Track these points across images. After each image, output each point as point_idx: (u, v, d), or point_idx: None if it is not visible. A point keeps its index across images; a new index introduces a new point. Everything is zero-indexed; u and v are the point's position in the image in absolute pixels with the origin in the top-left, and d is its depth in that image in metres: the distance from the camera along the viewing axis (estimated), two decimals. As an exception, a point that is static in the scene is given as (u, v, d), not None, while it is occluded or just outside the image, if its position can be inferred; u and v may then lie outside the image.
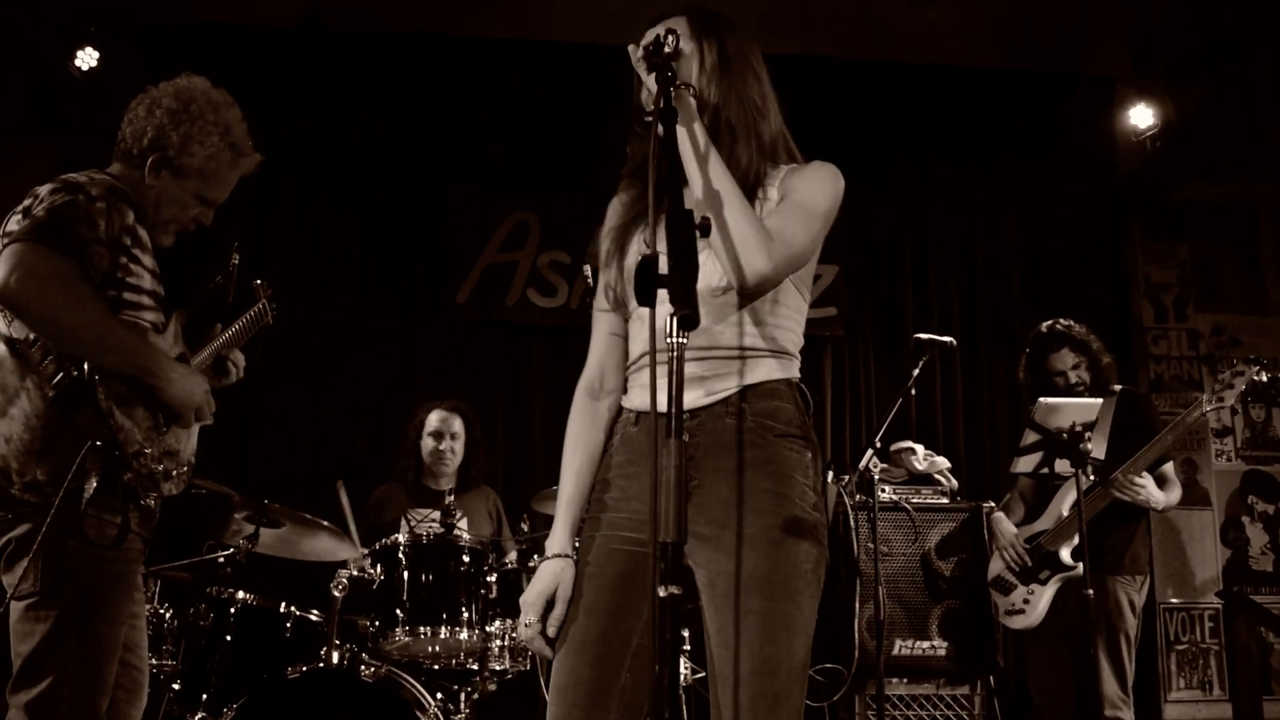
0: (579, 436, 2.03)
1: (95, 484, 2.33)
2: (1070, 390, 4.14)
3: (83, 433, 2.35)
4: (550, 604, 1.91)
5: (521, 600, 1.95)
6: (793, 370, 1.94)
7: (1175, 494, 4.08)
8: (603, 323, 2.08)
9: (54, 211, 2.38)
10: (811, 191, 1.96)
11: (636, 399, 1.97)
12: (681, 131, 1.83)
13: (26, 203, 2.47)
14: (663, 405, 1.73)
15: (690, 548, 1.85)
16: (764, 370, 1.90)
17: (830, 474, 5.07)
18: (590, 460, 2.01)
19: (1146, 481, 3.92)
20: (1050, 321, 4.28)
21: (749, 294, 1.87)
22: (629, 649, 1.87)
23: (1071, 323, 4.25)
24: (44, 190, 2.46)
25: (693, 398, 1.87)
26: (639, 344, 1.98)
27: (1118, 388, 4.22)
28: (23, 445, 2.37)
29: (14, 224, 2.44)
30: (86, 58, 5.40)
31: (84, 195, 2.43)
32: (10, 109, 5.77)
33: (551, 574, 1.93)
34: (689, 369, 1.83)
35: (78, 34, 5.39)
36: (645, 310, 1.84)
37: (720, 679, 1.79)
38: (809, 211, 1.92)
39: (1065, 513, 4.05)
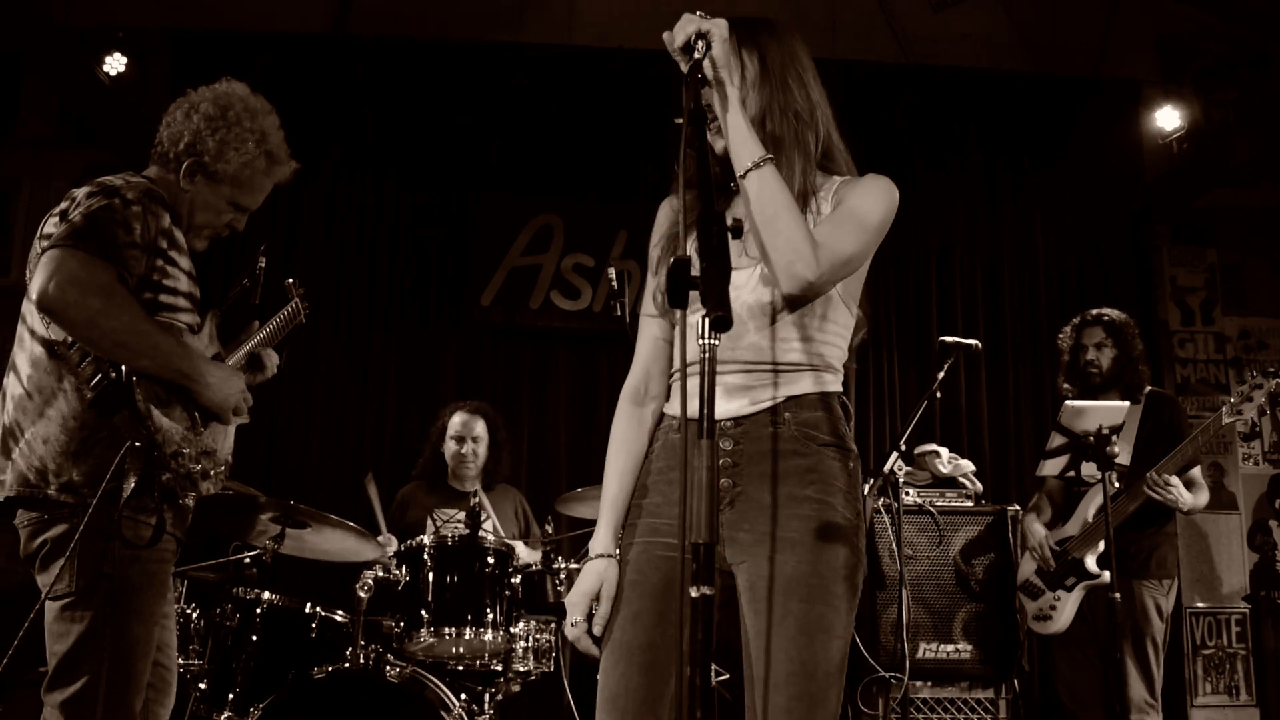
0: (623, 438, 2.03)
1: (133, 484, 2.33)
2: (1086, 369, 4.15)
3: (120, 434, 2.36)
4: (595, 603, 1.93)
5: (566, 600, 1.96)
6: (836, 384, 1.95)
7: (1203, 497, 4.05)
8: (650, 327, 2.07)
9: (91, 216, 2.38)
10: (864, 202, 1.94)
11: (679, 405, 1.93)
12: (729, 133, 1.83)
13: (63, 206, 2.48)
14: (692, 410, 1.75)
15: (733, 553, 1.87)
16: (807, 383, 1.91)
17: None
18: (634, 462, 2.01)
19: (1175, 483, 3.90)
20: (1102, 308, 4.32)
21: (795, 302, 1.87)
22: (676, 656, 1.86)
23: (1118, 312, 4.27)
24: (80, 193, 2.46)
25: (737, 406, 1.89)
26: (682, 352, 1.95)
27: (1148, 389, 4.20)
28: (60, 446, 2.38)
29: (50, 226, 2.47)
30: (115, 63, 5.44)
31: (120, 199, 2.43)
32: (41, 118, 5.83)
33: (595, 574, 1.94)
34: (734, 379, 1.89)
35: (107, 40, 5.44)
36: (691, 320, 1.86)
37: (757, 681, 1.80)
38: (860, 222, 1.91)
39: (1091, 518, 4.03)
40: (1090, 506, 4.05)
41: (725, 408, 1.87)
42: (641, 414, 2.05)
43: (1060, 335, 4.39)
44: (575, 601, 1.93)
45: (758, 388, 1.89)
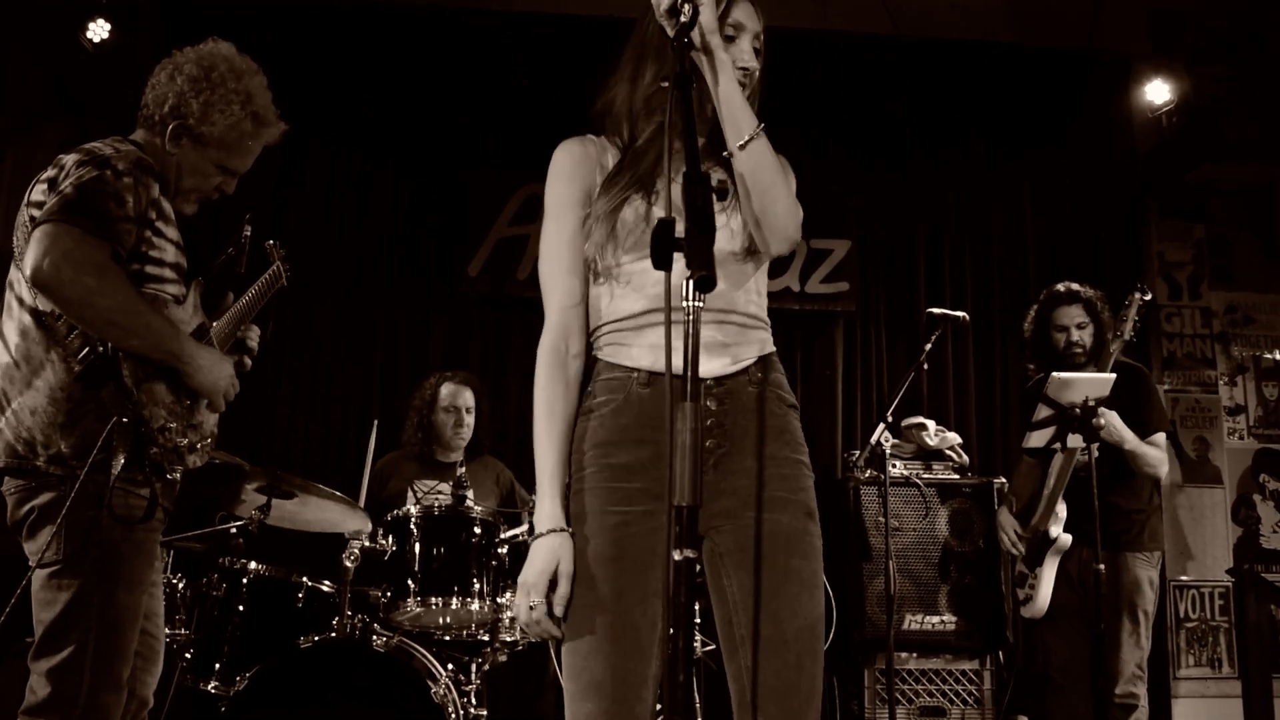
0: (551, 403, 1.92)
1: (122, 460, 2.32)
2: (1069, 349, 4.11)
3: (108, 408, 2.35)
4: (554, 583, 1.82)
5: (520, 581, 1.85)
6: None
7: (1157, 455, 4.02)
8: (563, 280, 1.98)
9: (82, 189, 2.35)
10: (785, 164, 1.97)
11: (645, 358, 1.88)
12: (724, 92, 1.83)
13: (51, 173, 2.44)
14: (675, 367, 1.73)
15: (714, 514, 1.83)
16: (769, 340, 1.94)
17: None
18: (568, 426, 1.92)
19: (1110, 414, 3.88)
20: (1066, 283, 4.24)
21: (768, 258, 1.92)
22: (656, 633, 1.81)
23: (1087, 287, 4.21)
24: (69, 161, 2.42)
25: (719, 365, 1.87)
26: (630, 301, 1.90)
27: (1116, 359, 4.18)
28: (48, 417, 2.37)
29: (39, 194, 2.43)
30: (98, 30, 5.37)
31: (111, 170, 2.39)
32: (25, 87, 5.76)
33: (550, 551, 1.83)
34: (707, 333, 1.81)
35: (90, 6, 5.37)
36: (637, 268, 1.87)
37: (765, 641, 1.77)
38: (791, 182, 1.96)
39: (1051, 484, 4.03)
40: (1050, 478, 4.05)
41: (707, 367, 1.82)
42: (566, 375, 1.95)
43: (1029, 316, 4.31)
44: (533, 582, 1.81)
45: (734, 345, 1.88)
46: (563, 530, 1.85)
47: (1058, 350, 4.13)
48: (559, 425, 1.92)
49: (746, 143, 1.82)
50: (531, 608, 1.81)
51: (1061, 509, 3.98)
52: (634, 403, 1.87)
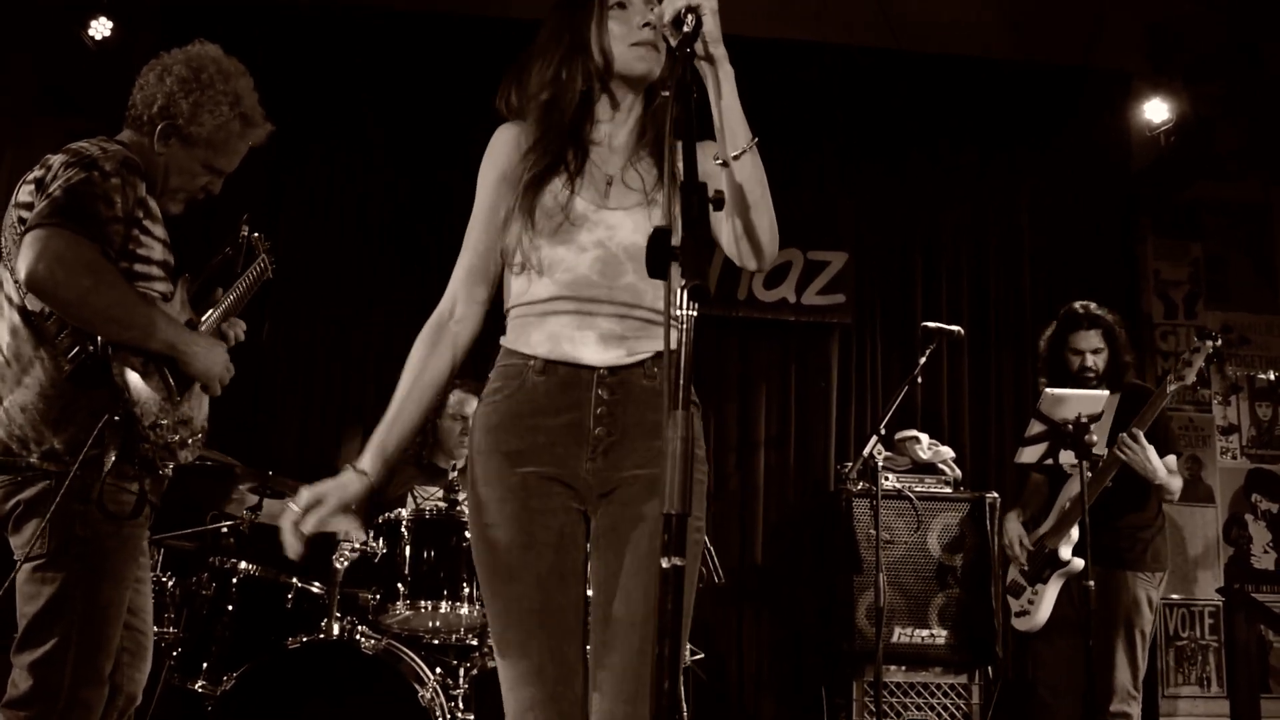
0: (415, 361, 2.01)
1: (113, 457, 2.35)
2: (1082, 373, 4.10)
3: (99, 405, 2.37)
4: (318, 505, 1.85)
5: (300, 490, 1.89)
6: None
7: (1177, 481, 4.05)
8: (473, 258, 2.04)
9: (71, 191, 2.37)
10: None
11: (543, 346, 1.92)
12: (728, 105, 1.84)
13: (38, 173, 2.46)
14: (587, 359, 1.86)
15: (598, 499, 1.90)
16: (670, 337, 1.91)
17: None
18: (426, 386, 1.99)
19: (1147, 446, 3.88)
20: (1085, 303, 4.23)
21: (746, 271, 1.95)
22: (581, 613, 1.87)
23: (1107, 310, 4.20)
24: (56, 163, 2.45)
25: (613, 356, 1.89)
26: (540, 287, 1.93)
27: (1126, 380, 4.19)
28: (39, 414, 2.39)
29: (26, 195, 2.45)
30: (100, 28, 5.37)
31: (99, 172, 2.42)
32: (22, 84, 5.76)
33: (339, 482, 1.87)
34: (607, 325, 1.89)
35: (91, 4, 5.37)
36: (552, 255, 1.90)
37: (614, 621, 1.83)
38: None
39: (1066, 506, 4.04)
40: (1064, 495, 4.07)
41: (602, 356, 1.89)
42: (439, 337, 2.02)
43: (1046, 333, 4.31)
44: (306, 497, 1.85)
45: (633, 338, 1.91)
46: (362, 474, 1.89)
47: (1071, 372, 4.13)
48: (409, 379, 1.99)
49: (741, 153, 1.84)
50: (293, 512, 1.85)
51: (1074, 531, 3.96)
52: (527, 390, 1.91)
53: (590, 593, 1.92)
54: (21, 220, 2.40)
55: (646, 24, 1.93)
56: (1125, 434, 3.88)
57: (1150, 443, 3.91)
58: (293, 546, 1.85)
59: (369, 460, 1.92)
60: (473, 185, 2.12)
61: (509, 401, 1.92)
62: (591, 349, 1.89)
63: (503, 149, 2.06)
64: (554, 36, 2.03)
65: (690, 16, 1.75)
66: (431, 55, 5.90)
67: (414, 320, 6.19)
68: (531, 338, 1.94)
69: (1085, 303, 4.23)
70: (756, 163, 1.85)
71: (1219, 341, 4.00)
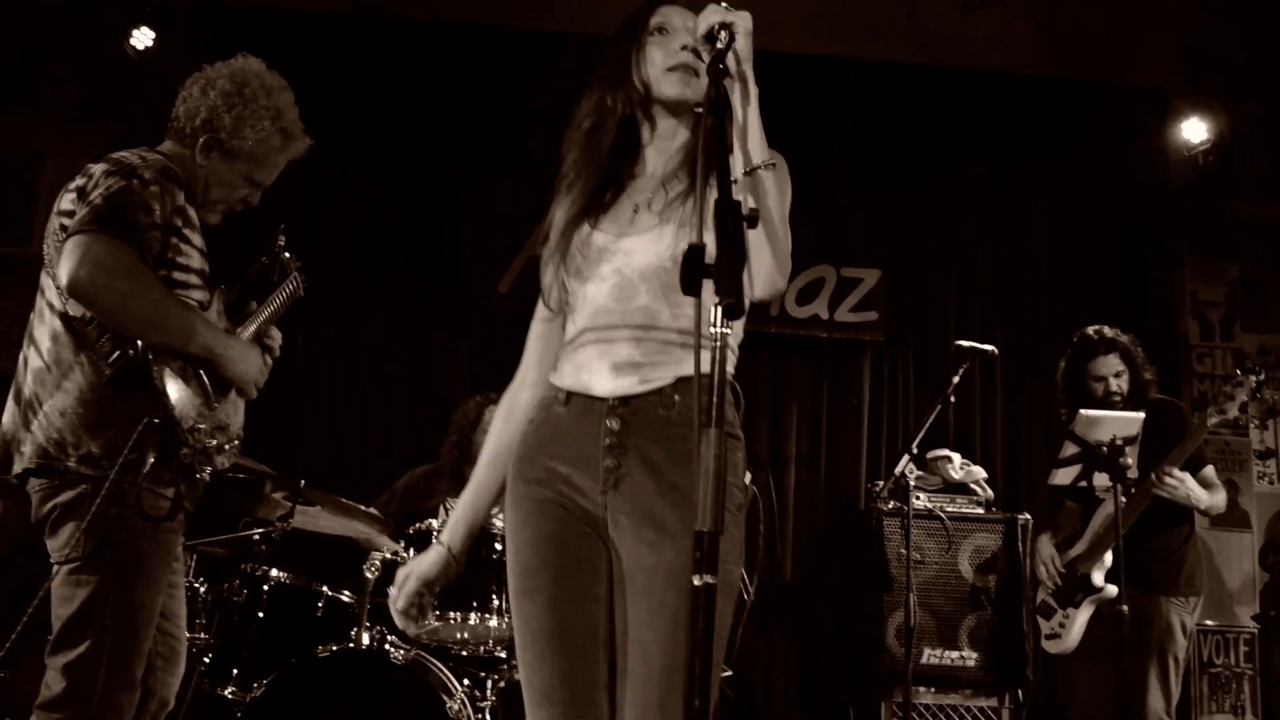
0: (493, 430, 2.10)
1: (152, 460, 2.38)
2: (1107, 398, 4.06)
3: (138, 409, 2.40)
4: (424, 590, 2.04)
5: (401, 572, 2.06)
6: (729, 362, 1.91)
7: (1220, 496, 3.99)
8: (540, 328, 2.10)
9: (111, 199, 2.42)
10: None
11: (567, 378, 1.93)
12: (752, 127, 1.83)
13: (80, 182, 2.52)
14: (598, 390, 1.86)
15: (617, 536, 1.86)
16: (702, 357, 1.87)
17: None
18: (497, 454, 2.05)
19: (1185, 477, 3.85)
20: (1098, 327, 4.18)
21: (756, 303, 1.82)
22: (598, 637, 1.85)
23: (1119, 331, 4.17)
24: (98, 171, 2.50)
25: (625, 384, 1.85)
26: (572, 325, 1.96)
27: (1151, 396, 4.14)
28: (78, 419, 2.42)
29: (68, 203, 2.51)
30: (143, 37, 5.46)
31: (138, 180, 2.47)
32: (64, 94, 5.84)
33: (422, 557, 2.07)
34: (623, 350, 1.86)
35: (134, 13, 5.45)
36: (582, 292, 1.91)
37: (631, 675, 1.78)
38: None
39: (1100, 530, 4.00)
40: (1098, 519, 4.03)
41: (612, 385, 1.86)
42: (511, 403, 2.09)
43: (1061, 363, 4.26)
44: (398, 579, 2.04)
45: (647, 365, 1.86)
46: (441, 546, 2.06)
47: (1096, 398, 4.08)
48: (488, 450, 2.08)
49: (753, 169, 1.81)
50: (396, 605, 2.04)
51: (1108, 557, 3.92)
52: (553, 421, 1.93)
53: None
54: (64, 228, 2.46)
55: (684, 46, 1.94)
56: (1159, 473, 3.82)
57: (1173, 459, 3.87)
58: (408, 628, 2.07)
59: (451, 531, 2.09)
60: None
61: (537, 432, 1.95)
62: (603, 378, 1.87)
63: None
64: (601, 68, 2.06)
65: (724, 33, 1.76)
66: (464, 67, 5.91)
67: (448, 335, 6.19)
68: (563, 370, 1.96)
69: (1098, 327, 4.18)
70: (772, 189, 1.82)
71: (1262, 376, 3.92)
